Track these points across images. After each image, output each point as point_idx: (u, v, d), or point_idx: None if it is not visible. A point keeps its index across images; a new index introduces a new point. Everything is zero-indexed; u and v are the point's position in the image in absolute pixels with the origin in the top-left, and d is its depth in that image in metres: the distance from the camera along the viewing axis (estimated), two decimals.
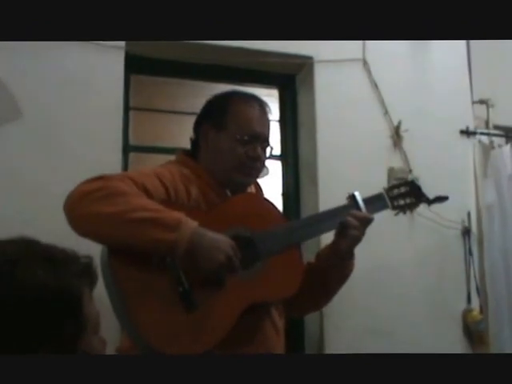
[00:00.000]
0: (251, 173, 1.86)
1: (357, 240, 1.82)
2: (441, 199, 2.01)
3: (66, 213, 1.60)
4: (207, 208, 1.77)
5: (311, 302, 1.96)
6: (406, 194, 1.96)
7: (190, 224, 1.58)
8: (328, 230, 1.87)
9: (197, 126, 1.90)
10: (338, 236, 1.84)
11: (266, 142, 1.86)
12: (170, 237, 1.55)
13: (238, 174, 1.83)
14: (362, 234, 1.82)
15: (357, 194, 1.87)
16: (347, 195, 1.88)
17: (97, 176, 1.64)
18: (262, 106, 1.89)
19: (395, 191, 1.95)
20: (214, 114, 1.86)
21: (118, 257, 1.58)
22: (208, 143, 1.85)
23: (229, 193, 1.83)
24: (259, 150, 1.83)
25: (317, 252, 1.95)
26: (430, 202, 2.01)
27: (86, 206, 1.58)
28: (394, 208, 1.95)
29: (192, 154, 1.89)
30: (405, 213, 2.01)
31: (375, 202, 1.90)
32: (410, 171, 2.94)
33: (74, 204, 1.60)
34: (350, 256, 1.87)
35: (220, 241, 1.61)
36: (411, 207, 2.01)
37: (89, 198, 1.57)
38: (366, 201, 1.88)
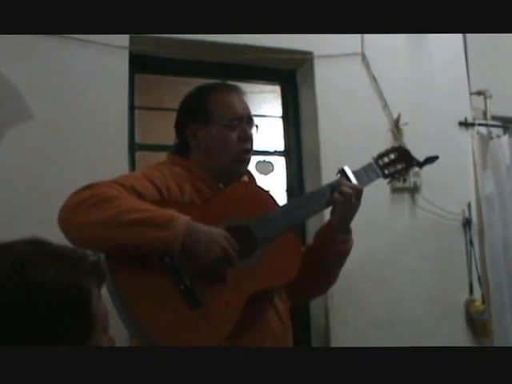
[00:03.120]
0: (245, 159, 1.87)
1: (347, 208, 1.82)
2: (431, 159, 1.99)
3: (60, 227, 1.59)
4: (201, 203, 1.77)
5: (315, 285, 1.95)
6: (395, 160, 1.95)
7: (183, 220, 1.57)
8: (322, 208, 1.86)
9: (180, 129, 1.90)
10: (332, 211, 1.85)
11: (251, 121, 1.88)
12: (163, 235, 1.54)
13: (234, 164, 1.84)
14: (351, 202, 1.81)
15: (346, 168, 1.87)
16: (337, 171, 1.89)
17: (84, 186, 1.63)
18: (235, 89, 1.91)
19: (385, 159, 1.95)
20: (195, 113, 1.86)
21: (117, 263, 1.57)
22: (199, 141, 1.85)
23: (221, 186, 1.83)
24: (248, 130, 1.86)
25: (315, 232, 1.95)
26: (420, 164, 2.00)
27: (78, 216, 1.57)
28: (385, 176, 1.95)
29: (181, 154, 1.89)
30: (398, 180, 1.99)
31: (366, 174, 1.90)
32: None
33: (67, 216, 1.60)
34: (344, 229, 1.87)
35: (214, 233, 1.61)
36: (403, 173, 2.00)
37: (80, 208, 1.57)
38: (357, 173, 1.88)
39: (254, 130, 1.89)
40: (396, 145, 2.08)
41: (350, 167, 2.80)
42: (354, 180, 1.85)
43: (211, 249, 1.58)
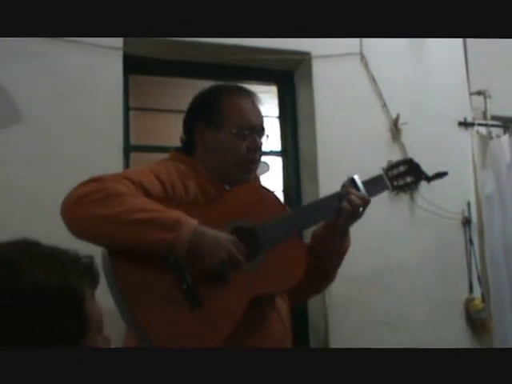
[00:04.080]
0: (252, 169, 1.86)
1: (351, 216, 1.81)
2: (440, 175, 2.00)
3: (62, 216, 1.59)
4: (206, 202, 1.76)
5: (313, 285, 1.93)
6: (405, 172, 1.95)
7: (190, 223, 1.57)
8: (328, 216, 1.85)
9: (189, 126, 1.88)
10: (335, 215, 1.84)
11: (262, 130, 1.86)
12: (169, 237, 1.54)
13: (239, 172, 1.83)
14: (357, 210, 1.80)
15: (356, 177, 1.86)
16: (346, 179, 1.87)
17: (92, 178, 1.62)
18: (252, 96, 1.89)
19: (394, 171, 1.94)
20: (206, 112, 1.84)
21: (120, 258, 1.57)
22: (206, 143, 1.83)
23: (227, 186, 1.83)
24: (258, 140, 1.84)
25: (312, 232, 1.95)
26: (429, 179, 1.99)
27: (82, 209, 1.56)
28: (393, 188, 1.94)
29: (186, 152, 1.88)
30: (405, 192, 1.99)
31: (375, 184, 1.89)
32: None
33: (71, 207, 1.59)
34: (343, 232, 1.86)
35: (221, 238, 1.60)
36: (411, 186, 2.00)
37: (85, 201, 1.56)
38: (366, 183, 1.86)
39: (263, 139, 1.87)
40: (407, 157, 2.08)
41: (348, 167, 2.81)
42: (363, 190, 1.84)
43: (217, 253, 1.58)
